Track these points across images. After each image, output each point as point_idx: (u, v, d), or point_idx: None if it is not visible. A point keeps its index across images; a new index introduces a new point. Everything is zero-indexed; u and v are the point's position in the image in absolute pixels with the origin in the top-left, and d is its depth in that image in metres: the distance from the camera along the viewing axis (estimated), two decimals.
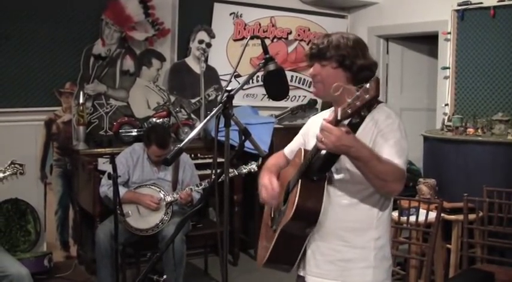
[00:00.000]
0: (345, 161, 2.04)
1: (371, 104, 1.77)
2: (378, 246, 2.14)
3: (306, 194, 2.03)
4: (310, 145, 2.21)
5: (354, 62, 2.08)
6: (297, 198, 2.01)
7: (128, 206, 4.08)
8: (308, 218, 2.06)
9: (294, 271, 2.26)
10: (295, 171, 2.17)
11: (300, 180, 2.05)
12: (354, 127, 1.98)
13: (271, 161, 2.46)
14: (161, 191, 4.17)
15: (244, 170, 4.25)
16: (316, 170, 2.03)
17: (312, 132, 2.26)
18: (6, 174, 3.54)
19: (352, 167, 2.02)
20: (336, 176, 2.10)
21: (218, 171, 2.10)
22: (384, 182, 1.96)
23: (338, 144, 1.84)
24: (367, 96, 1.73)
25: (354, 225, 2.11)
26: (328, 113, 2.26)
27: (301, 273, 2.24)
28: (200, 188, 4.18)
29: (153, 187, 4.20)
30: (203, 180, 4.31)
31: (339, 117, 1.82)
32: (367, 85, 1.74)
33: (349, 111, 1.79)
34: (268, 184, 2.26)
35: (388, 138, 2.02)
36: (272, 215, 2.33)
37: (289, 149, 2.44)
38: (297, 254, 2.20)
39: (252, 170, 4.24)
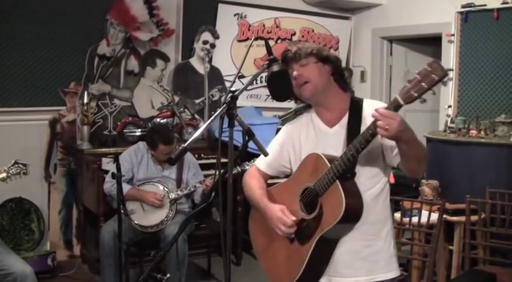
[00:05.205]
0: (360, 157, 2.04)
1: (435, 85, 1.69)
2: (392, 234, 2.21)
3: (348, 193, 2.01)
4: (303, 152, 2.21)
5: (328, 54, 2.14)
6: (344, 200, 1.98)
7: (132, 203, 4.11)
8: (354, 215, 2.06)
9: None
10: (305, 179, 2.14)
11: (338, 181, 2.01)
12: (355, 126, 2.02)
13: (255, 184, 2.37)
14: (165, 188, 4.20)
15: (247, 167, 4.25)
16: (350, 166, 2.01)
17: (300, 140, 2.25)
18: (9, 174, 3.54)
19: (367, 161, 2.06)
20: (357, 173, 2.08)
21: (221, 171, 2.11)
22: (419, 163, 1.99)
23: (401, 128, 1.81)
24: (435, 76, 1.68)
25: (376, 217, 2.13)
26: (304, 120, 2.29)
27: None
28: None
29: (156, 184, 4.23)
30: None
31: (402, 102, 1.78)
32: (428, 67, 1.69)
33: (415, 94, 1.73)
34: (284, 216, 2.17)
35: None
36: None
37: (265, 163, 2.37)
38: (327, 262, 2.16)
39: None
